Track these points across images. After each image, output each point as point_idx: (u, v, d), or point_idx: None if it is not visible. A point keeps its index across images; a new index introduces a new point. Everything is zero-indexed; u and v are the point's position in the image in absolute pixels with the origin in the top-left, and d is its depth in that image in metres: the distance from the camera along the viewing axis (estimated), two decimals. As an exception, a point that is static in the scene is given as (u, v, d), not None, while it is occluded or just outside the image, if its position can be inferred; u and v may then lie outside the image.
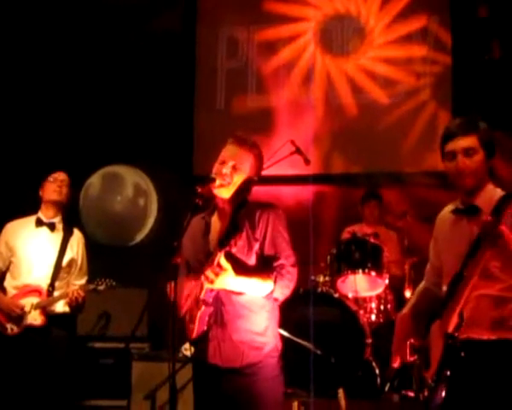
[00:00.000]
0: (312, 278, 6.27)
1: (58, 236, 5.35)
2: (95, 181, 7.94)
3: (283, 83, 8.13)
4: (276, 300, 3.73)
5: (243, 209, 3.70)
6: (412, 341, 5.75)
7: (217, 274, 3.49)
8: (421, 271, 6.41)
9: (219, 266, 3.49)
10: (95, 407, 6.46)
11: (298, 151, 5.91)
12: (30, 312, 5.14)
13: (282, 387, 3.77)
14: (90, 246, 5.66)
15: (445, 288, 3.46)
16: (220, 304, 3.65)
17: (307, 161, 5.97)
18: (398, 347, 3.72)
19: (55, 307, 5.23)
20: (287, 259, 3.69)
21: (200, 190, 3.56)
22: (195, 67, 8.43)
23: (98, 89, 8.23)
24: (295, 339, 5.62)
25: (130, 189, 7.95)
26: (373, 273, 6.34)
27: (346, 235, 6.89)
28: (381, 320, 6.50)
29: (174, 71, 8.25)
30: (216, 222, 3.81)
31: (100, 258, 5.81)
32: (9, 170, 7.79)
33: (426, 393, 3.50)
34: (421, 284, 3.84)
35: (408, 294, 6.35)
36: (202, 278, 3.56)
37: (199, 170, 7.93)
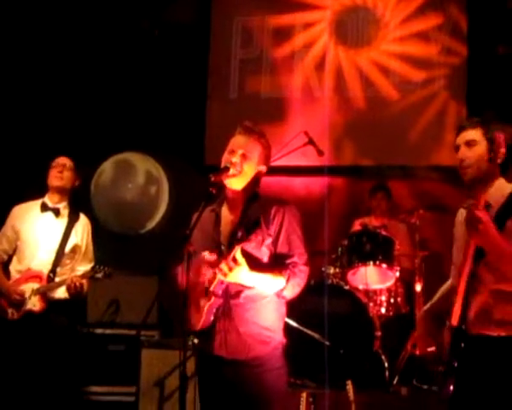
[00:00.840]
0: (323, 269, 6.27)
1: (63, 221, 5.34)
2: (106, 168, 7.95)
3: (297, 73, 8.11)
4: (283, 297, 3.72)
5: (256, 202, 3.72)
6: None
7: (231, 268, 3.48)
8: (431, 264, 6.47)
9: (234, 260, 3.47)
10: (104, 394, 6.47)
11: (311, 142, 5.91)
12: (30, 297, 5.15)
13: (285, 377, 3.76)
14: (101, 233, 5.67)
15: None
16: (229, 297, 3.64)
17: (320, 153, 5.97)
18: (419, 342, 3.83)
19: (56, 293, 5.22)
20: (300, 257, 3.68)
21: (213, 178, 3.56)
22: (209, 56, 8.41)
23: (112, 77, 8.23)
24: (305, 330, 5.62)
25: (141, 176, 7.94)
26: (384, 266, 6.33)
27: (357, 227, 6.87)
28: (391, 313, 6.50)
29: (188, 60, 8.23)
30: (226, 214, 3.80)
31: (110, 245, 5.82)
32: (22, 155, 7.80)
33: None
34: (447, 282, 3.84)
35: (418, 287, 6.32)
36: (216, 270, 3.55)
37: (211, 159, 7.91)
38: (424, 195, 7.40)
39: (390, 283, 6.49)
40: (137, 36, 8.26)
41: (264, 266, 3.61)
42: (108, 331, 6.71)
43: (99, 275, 5.14)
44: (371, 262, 6.30)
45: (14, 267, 5.31)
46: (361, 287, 6.40)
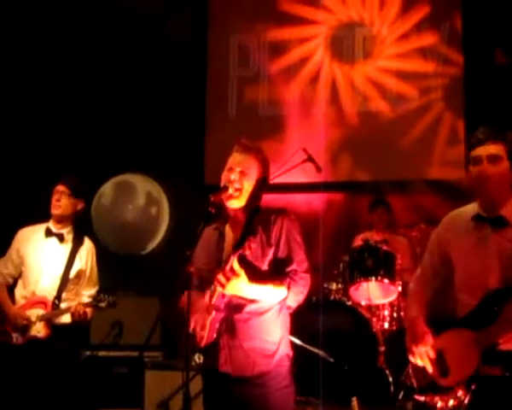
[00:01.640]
0: (325, 285, 6.27)
1: (67, 246, 5.33)
2: (107, 190, 7.96)
3: (294, 90, 8.12)
4: (289, 307, 3.72)
5: (257, 215, 3.72)
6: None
7: (228, 279, 3.48)
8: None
9: (232, 270, 3.48)
10: (108, 416, 6.46)
11: (310, 159, 5.93)
12: (35, 323, 5.13)
13: (293, 397, 3.75)
14: (102, 255, 5.65)
15: (466, 297, 3.45)
16: (232, 311, 3.63)
17: (319, 169, 5.99)
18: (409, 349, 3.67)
19: (60, 318, 5.21)
20: (300, 264, 3.68)
21: (213, 198, 3.58)
22: (206, 75, 8.43)
23: (109, 97, 8.26)
24: (308, 347, 5.61)
25: (142, 197, 7.95)
26: (386, 281, 6.34)
27: (358, 242, 6.87)
28: (394, 328, 6.48)
29: (185, 79, 8.26)
30: (229, 232, 3.81)
31: (112, 267, 5.82)
32: (23, 178, 7.83)
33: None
34: (414, 286, 3.83)
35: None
36: (214, 282, 3.55)
37: (210, 179, 7.92)
38: (422, 209, 7.40)
39: (392, 297, 6.49)
40: (135, 55, 8.28)
41: (264, 277, 3.61)
42: (112, 354, 6.70)
43: (102, 304, 5.14)
44: (373, 277, 6.31)
45: (19, 292, 5.30)
46: (363, 302, 6.40)
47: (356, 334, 5.98)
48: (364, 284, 6.37)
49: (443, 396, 3.45)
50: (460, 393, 3.37)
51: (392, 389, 5.90)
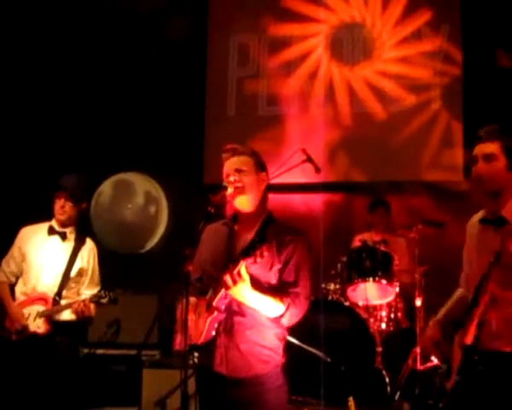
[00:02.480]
0: (323, 286, 6.29)
1: (69, 245, 5.36)
2: (106, 188, 7.96)
3: (293, 90, 8.14)
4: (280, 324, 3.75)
5: (272, 226, 3.74)
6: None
7: (235, 282, 3.49)
8: (431, 279, 6.49)
9: (239, 274, 3.49)
10: (105, 414, 6.47)
11: (309, 159, 5.93)
12: (35, 320, 5.15)
13: (286, 395, 3.78)
14: (101, 253, 5.67)
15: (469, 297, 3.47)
16: (232, 313, 3.65)
17: (318, 170, 5.99)
18: (425, 351, 3.74)
19: (61, 315, 5.23)
20: (303, 289, 3.69)
21: (212, 198, 3.60)
22: (206, 75, 8.45)
23: (109, 96, 8.28)
24: (306, 347, 5.62)
25: (140, 196, 7.96)
26: (383, 281, 6.35)
27: (356, 243, 6.89)
28: (392, 329, 6.50)
29: (185, 78, 8.27)
30: (240, 232, 3.81)
31: (110, 265, 5.81)
32: (23, 176, 7.85)
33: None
34: (458, 291, 3.83)
35: (418, 302, 6.33)
36: (220, 283, 3.56)
37: (209, 178, 7.94)
38: (420, 210, 7.42)
39: (390, 298, 6.51)
40: (135, 56, 8.30)
41: (266, 289, 3.62)
42: (109, 352, 6.71)
43: (104, 300, 5.15)
44: (371, 278, 6.33)
45: (19, 289, 5.32)
46: (361, 303, 6.42)
47: (353, 334, 6.00)
48: (362, 285, 6.39)
49: None
50: None
51: (388, 389, 5.92)
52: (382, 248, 6.49)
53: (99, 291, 5.27)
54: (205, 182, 8.09)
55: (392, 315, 6.55)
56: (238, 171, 3.73)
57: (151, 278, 7.65)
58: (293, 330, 3.90)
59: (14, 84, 8.02)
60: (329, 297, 6.31)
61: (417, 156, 7.75)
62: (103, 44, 8.28)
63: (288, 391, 3.77)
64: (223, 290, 3.56)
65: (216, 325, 3.63)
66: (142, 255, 8.08)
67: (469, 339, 3.31)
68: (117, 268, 7.21)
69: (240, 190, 3.69)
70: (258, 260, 3.50)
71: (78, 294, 5.34)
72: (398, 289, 6.45)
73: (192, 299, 3.60)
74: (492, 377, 3.30)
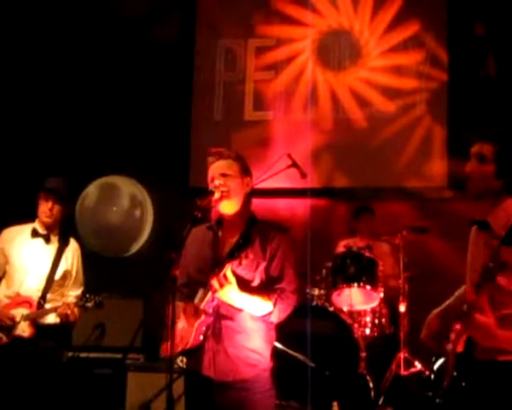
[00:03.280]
0: (308, 291, 6.31)
1: (53, 247, 5.33)
2: (91, 191, 7.93)
3: (280, 96, 8.16)
4: (270, 323, 3.77)
5: (255, 226, 3.78)
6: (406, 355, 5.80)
7: (222, 285, 3.52)
8: (415, 285, 6.53)
9: (225, 277, 3.52)
10: (90, 419, 6.45)
11: (294, 165, 5.96)
12: (19, 323, 5.11)
13: (273, 400, 3.82)
14: (86, 256, 5.65)
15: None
16: (220, 317, 3.68)
17: (304, 175, 6.02)
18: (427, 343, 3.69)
19: (46, 318, 5.20)
20: (289, 284, 3.73)
21: (199, 202, 3.62)
22: (193, 79, 8.44)
23: (95, 99, 8.26)
24: (290, 352, 5.64)
25: (126, 200, 7.93)
26: (368, 287, 6.39)
27: (340, 249, 6.92)
28: (376, 334, 6.54)
29: (172, 82, 8.27)
30: (225, 235, 3.84)
31: (95, 268, 5.81)
32: (8, 177, 7.82)
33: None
34: (463, 287, 3.77)
35: (402, 308, 6.38)
36: (207, 286, 3.59)
37: (195, 182, 7.94)
38: (403, 216, 7.45)
39: (374, 304, 6.54)
40: (122, 58, 8.29)
41: (253, 289, 3.66)
42: (93, 355, 6.69)
43: (89, 304, 5.14)
44: (355, 284, 6.36)
45: (2, 292, 5.28)
46: (345, 308, 6.44)
47: (337, 339, 6.03)
48: (347, 290, 6.41)
49: None
50: None
51: (372, 394, 5.95)
52: (367, 253, 6.52)
53: (84, 295, 5.24)
54: (190, 186, 8.09)
55: (377, 321, 6.58)
56: (223, 175, 3.76)
57: (136, 281, 7.63)
58: (277, 335, 3.92)
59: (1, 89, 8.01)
60: (314, 302, 6.33)
61: (401, 163, 7.79)
62: (90, 48, 8.25)
63: (275, 396, 3.81)
64: (210, 294, 3.60)
65: (203, 329, 3.66)
66: (127, 259, 8.06)
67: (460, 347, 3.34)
68: (101, 272, 7.19)
69: (225, 195, 3.72)
70: (244, 262, 3.56)
71: (63, 295, 5.32)
72: (382, 295, 6.48)
73: (179, 304, 3.62)
74: (490, 385, 3.31)
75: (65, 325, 5.26)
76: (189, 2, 8.50)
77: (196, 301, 3.66)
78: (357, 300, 6.47)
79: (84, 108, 8.24)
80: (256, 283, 3.69)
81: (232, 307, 3.65)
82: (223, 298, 3.61)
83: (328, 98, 8.06)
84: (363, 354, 6.03)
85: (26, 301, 5.18)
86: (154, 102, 8.23)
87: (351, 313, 6.48)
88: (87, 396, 6.44)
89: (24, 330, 5.12)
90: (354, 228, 7.30)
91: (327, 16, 8.15)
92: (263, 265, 3.70)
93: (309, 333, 5.58)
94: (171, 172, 8.11)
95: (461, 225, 3.89)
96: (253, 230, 3.76)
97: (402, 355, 6.21)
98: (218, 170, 3.78)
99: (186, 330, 3.68)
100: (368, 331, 6.52)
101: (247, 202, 3.83)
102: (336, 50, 8.12)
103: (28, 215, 5.42)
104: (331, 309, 6.26)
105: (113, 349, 6.64)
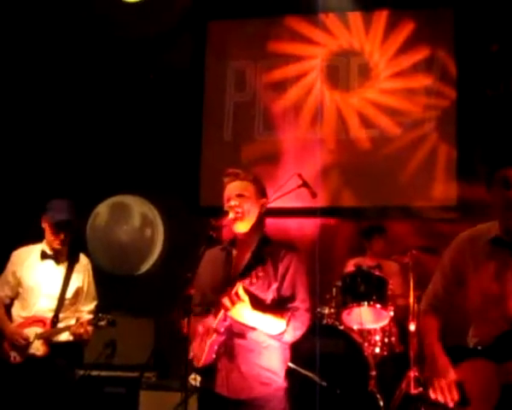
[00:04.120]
0: (318, 309, 6.33)
1: (63, 267, 5.35)
2: (102, 210, 8.00)
3: (290, 117, 8.20)
4: (284, 342, 3.78)
5: (267, 246, 3.81)
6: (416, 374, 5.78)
7: (233, 303, 3.55)
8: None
9: (237, 295, 3.55)
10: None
11: (305, 184, 5.98)
12: (33, 342, 5.15)
13: None
14: (96, 274, 5.68)
15: (485, 324, 3.39)
16: (232, 335, 3.70)
17: (314, 195, 6.04)
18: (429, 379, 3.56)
19: (59, 336, 5.23)
20: (302, 303, 3.76)
21: (213, 222, 3.66)
22: (203, 99, 8.50)
23: (107, 120, 8.32)
24: (301, 371, 5.64)
25: (136, 219, 7.99)
26: (378, 306, 6.40)
27: (350, 267, 6.95)
28: (385, 353, 6.54)
29: (182, 103, 8.33)
30: (237, 255, 3.88)
31: (106, 287, 5.84)
32: (18, 197, 7.86)
33: None
34: (426, 308, 3.73)
35: (412, 327, 6.37)
36: (219, 305, 3.62)
37: (206, 201, 8.00)
38: (420, 233, 7.47)
39: (384, 322, 6.55)
40: (133, 80, 8.36)
41: (266, 308, 3.68)
42: (104, 373, 6.71)
43: (102, 323, 5.16)
44: (365, 302, 6.37)
45: (17, 313, 5.31)
46: (356, 327, 6.46)
47: (348, 358, 6.04)
48: (357, 309, 6.43)
49: None
50: None
51: (383, 413, 5.95)
52: (377, 272, 6.54)
53: (97, 313, 5.28)
54: (201, 205, 8.13)
55: (386, 339, 6.59)
56: (239, 196, 3.80)
57: (146, 300, 7.65)
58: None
59: (10, 106, 8.06)
60: (324, 321, 6.35)
61: (408, 182, 7.81)
62: (102, 69, 8.32)
63: None
64: (222, 313, 3.61)
65: (216, 348, 3.68)
66: (137, 278, 8.10)
67: None
68: (112, 290, 7.23)
69: (239, 217, 3.76)
70: (254, 280, 3.57)
71: (76, 311, 5.36)
72: (392, 314, 6.50)
73: (196, 322, 3.65)
74: None
75: (78, 343, 5.30)
76: (199, 24, 8.58)
77: (209, 321, 3.69)
78: (367, 318, 6.49)
79: (97, 128, 8.30)
80: (268, 302, 3.71)
81: (245, 325, 3.67)
82: (235, 316, 3.63)
83: (336, 118, 8.10)
84: (373, 373, 6.04)
85: (39, 320, 5.22)
86: (164, 123, 8.29)
87: (361, 332, 6.49)
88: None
89: (38, 348, 5.16)
90: (365, 247, 7.33)
91: (338, 37, 8.21)
92: (275, 285, 3.72)
93: (318, 352, 5.59)
94: (182, 191, 8.15)
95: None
96: (264, 249, 3.79)
97: (412, 374, 6.20)
98: (234, 191, 3.82)
99: (198, 348, 3.71)
100: (378, 350, 6.52)
101: (260, 222, 3.87)
102: (344, 70, 8.16)
103: (39, 235, 5.43)
104: (341, 328, 6.27)
105: (124, 367, 6.65)
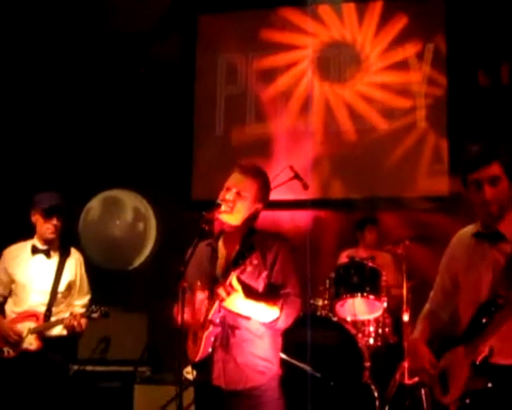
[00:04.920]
0: (311, 301, 6.33)
1: (54, 260, 5.35)
2: (94, 205, 7.98)
3: (282, 109, 8.21)
4: (277, 329, 3.79)
5: (253, 237, 3.81)
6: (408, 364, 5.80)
7: (228, 293, 3.56)
8: (419, 294, 6.54)
9: (231, 285, 3.56)
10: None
11: (296, 176, 5.98)
12: (26, 336, 5.14)
13: (282, 409, 3.83)
14: (90, 270, 5.67)
15: (464, 313, 3.48)
16: (227, 327, 3.71)
17: (306, 186, 6.03)
18: (415, 371, 3.72)
19: (52, 330, 5.23)
20: (293, 289, 3.77)
21: (206, 215, 3.65)
22: (194, 93, 8.50)
23: (98, 114, 8.31)
24: (295, 362, 5.66)
25: (129, 213, 7.98)
26: (371, 297, 6.41)
27: (343, 259, 6.95)
28: (379, 344, 6.55)
29: (174, 96, 8.33)
30: (222, 248, 3.89)
31: (98, 281, 5.83)
32: (9, 193, 7.84)
33: None
34: (426, 308, 3.86)
35: (406, 317, 6.39)
36: (212, 296, 3.63)
37: (198, 195, 8.01)
38: (413, 225, 7.49)
39: (378, 313, 6.56)
40: (124, 73, 8.34)
41: (259, 296, 3.69)
42: (99, 368, 6.71)
43: (95, 315, 5.15)
44: (359, 294, 6.37)
45: (10, 309, 5.31)
46: (349, 318, 6.46)
47: (341, 349, 6.04)
48: (350, 300, 6.43)
49: None
50: None
51: (377, 403, 5.96)
52: (370, 263, 6.55)
53: (90, 305, 5.28)
54: (193, 199, 8.13)
55: (380, 330, 6.60)
56: (238, 194, 3.78)
57: (139, 295, 7.66)
58: (282, 346, 3.95)
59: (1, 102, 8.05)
60: (318, 313, 6.34)
61: (403, 171, 7.85)
62: (93, 63, 8.31)
63: (284, 406, 3.83)
64: (216, 303, 3.62)
65: (212, 340, 3.68)
66: (129, 272, 8.09)
67: (480, 358, 3.32)
68: (105, 285, 7.22)
69: (229, 211, 3.75)
70: (248, 268, 3.57)
71: (69, 305, 5.35)
72: (385, 305, 6.51)
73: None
74: (501, 391, 3.31)
75: (71, 337, 5.29)
76: (190, 17, 8.57)
77: (202, 313, 3.69)
78: (360, 310, 6.50)
79: (88, 122, 8.29)
80: (259, 290, 3.72)
81: (239, 315, 3.69)
82: (229, 307, 3.64)
83: (328, 110, 8.10)
84: (368, 364, 6.04)
85: (32, 315, 5.21)
86: (156, 117, 8.29)
87: (354, 323, 6.49)
88: (94, 409, 6.46)
89: (31, 343, 5.15)
90: (358, 239, 7.35)
91: (330, 28, 8.21)
92: (264, 273, 3.74)
93: (312, 343, 5.60)
94: (174, 185, 8.16)
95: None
96: (251, 240, 3.78)
97: (406, 364, 6.22)
98: (236, 186, 3.80)
99: (193, 343, 3.71)
100: (372, 341, 6.53)
101: (248, 221, 3.85)
102: (336, 61, 8.16)
103: (29, 232, 5.42)
104: (335, 319, 6.27)
105: (118, 362, 6.66)
